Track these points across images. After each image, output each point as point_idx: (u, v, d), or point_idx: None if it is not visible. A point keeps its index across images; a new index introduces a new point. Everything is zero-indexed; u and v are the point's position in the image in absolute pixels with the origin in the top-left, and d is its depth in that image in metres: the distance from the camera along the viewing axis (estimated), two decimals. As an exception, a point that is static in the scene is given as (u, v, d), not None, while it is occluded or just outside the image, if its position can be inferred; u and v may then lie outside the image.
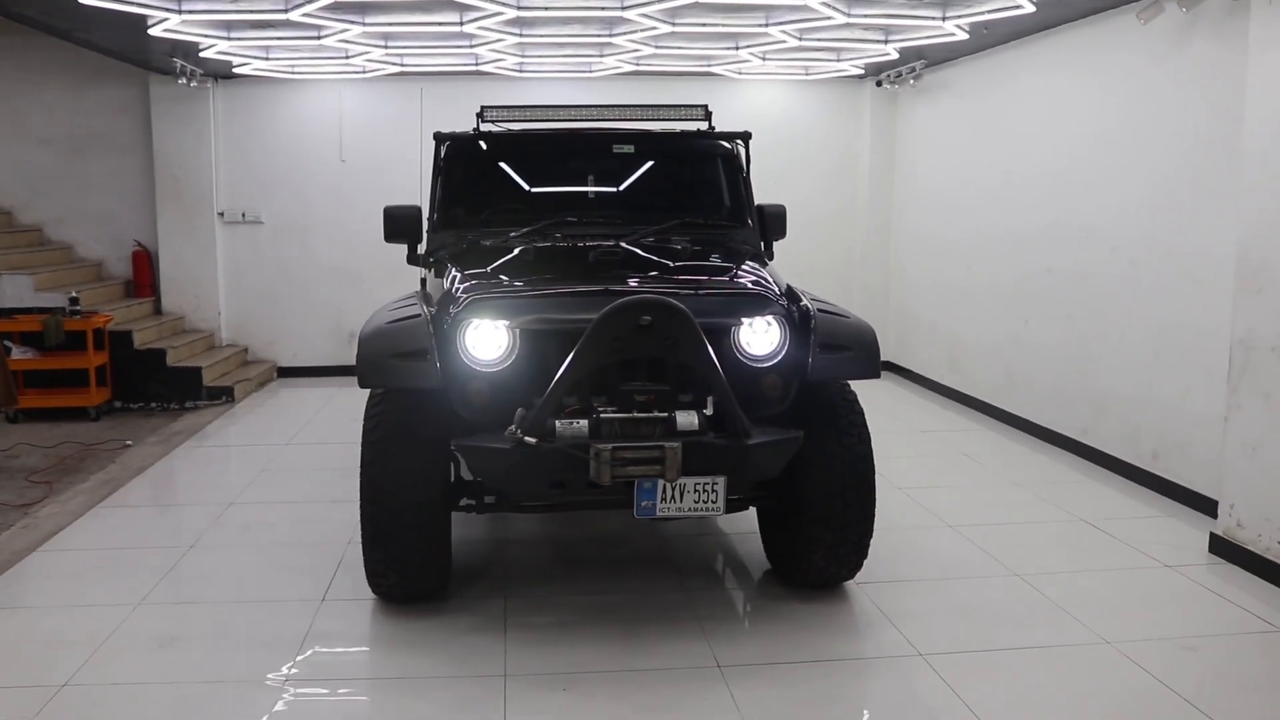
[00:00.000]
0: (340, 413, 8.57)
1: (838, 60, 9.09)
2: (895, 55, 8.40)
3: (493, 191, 5.66)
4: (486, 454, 3.97)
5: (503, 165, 5.66)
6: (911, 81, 9.26)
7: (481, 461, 4.01)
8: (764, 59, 8.90)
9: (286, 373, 10.02)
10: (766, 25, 7.35)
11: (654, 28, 7.23)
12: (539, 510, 4.57)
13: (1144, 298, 6.37)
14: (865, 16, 6.93)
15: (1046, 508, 6.05)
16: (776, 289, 4.49)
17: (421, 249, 5.58)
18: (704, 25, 7.31)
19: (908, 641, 4.25)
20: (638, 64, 9.23)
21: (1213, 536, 5.27)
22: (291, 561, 5.15)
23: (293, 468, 6.87)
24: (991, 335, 8.27)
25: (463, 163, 5.57)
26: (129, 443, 7.65)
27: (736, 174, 5.70)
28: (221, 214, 9.79)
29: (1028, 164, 7.71)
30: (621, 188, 5.74)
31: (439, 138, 5.59)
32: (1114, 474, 6.66)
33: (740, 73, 9.82)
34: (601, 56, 8.85)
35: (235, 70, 8.94)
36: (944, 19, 6.96)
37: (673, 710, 3.71)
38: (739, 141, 5.72)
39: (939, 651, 4.15)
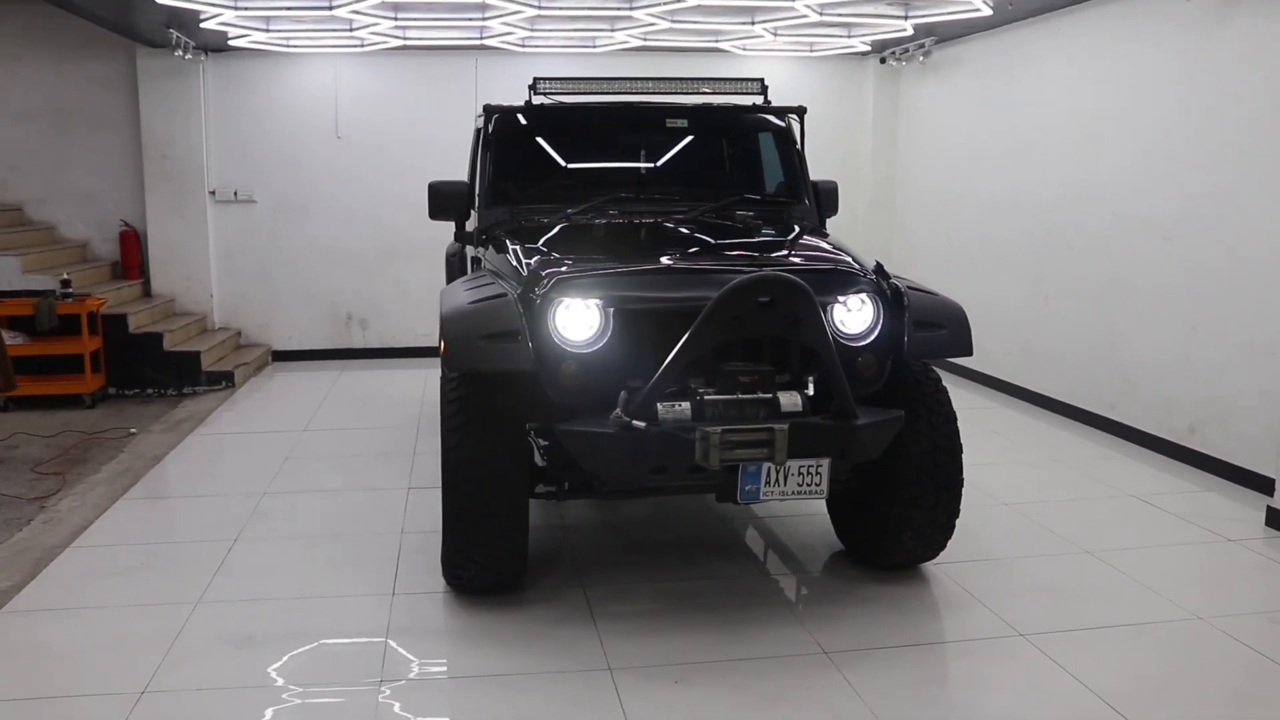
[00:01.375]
0: (349, 397, 8.33)
1: (848, 36, 8.99)
2: (909, 31, 8.33)
3: (543, 166, 5.49)
4: (591, 439, 3.82)
5: (554, 139, 5.49)
6: (921, 59, 9.21)
7: (584, 446, 3.86)
8: (775, 34, 8.77)
9: (281, 356, 9.71)
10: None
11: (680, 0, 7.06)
12: (622, 496, 4.44)
13: (1179, 272, 6.39)
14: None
15: (1092, 484, 6.06)
16: (863, 266, 4.39)
17: (470, 225, 5.38)
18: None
19: (1004, 622, 4.20)
20: (645, 39, 9.04)
21: (1270, 510, 5.30)
22: (347, 554, 4.95)
23: (317, 455, 6.63)
24: (1008, 310, 8.27)
25: (513, 136, 5.38)
26: (133, 431, 7.35)
27: (791, 149, 5.59)
28: (213, 193, 9.42)
29: (1047, 140, 7.70)
30: (675, 163, 5.60)
31: (489, 110, 5.40)
32: (1145, 449, 6.69)
33: (745, 49, 9.69)
34: (612, 30, 8.65)
35: (230, 43, 8.58)
36: (975, -8, 6.91)
37: (795, 699, 3.62)
38: (793, 116, 5.61)
39: (1038, 631, 4.11)
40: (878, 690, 3.67)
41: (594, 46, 9.49)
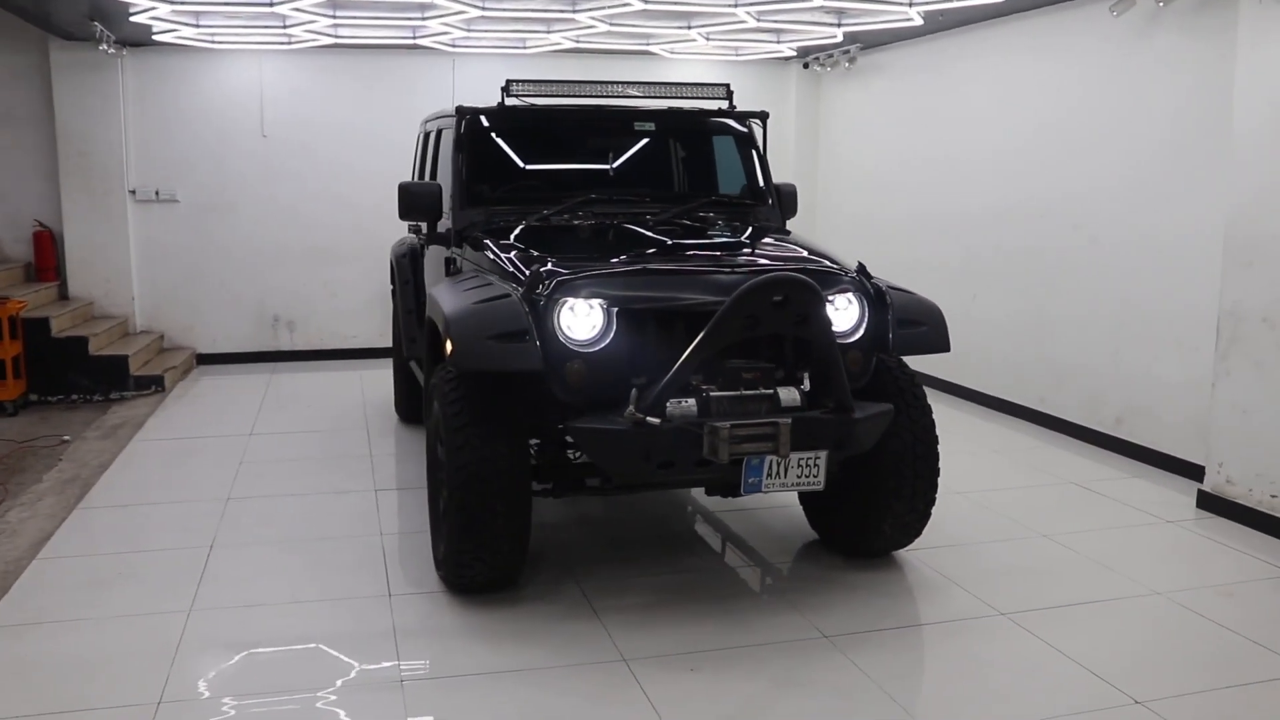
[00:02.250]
0: (287, 400, 8.18)
1: (776, 42, 9.24)
2: (839, 38, 8.62)
3: (516, 167, 5.54)
4: (602, 435, 3.90)
5: (527, 141, 5.55)
6: (846, 64, 9.52)
7: (596, 443, 3.94)
8: (708, 39, 8.96)
9: (207, 360, 9.44)
10: (736, 5, 7.40)
11: (627, 3, 7.16)
12: (622, 492, 4.53)
13: (1106, 273, 6.80)
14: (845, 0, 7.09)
15: (1034, 473, 6.41)
16: (846, 266, 4.58)
17: (443, 226, 5.38)
18: (676, 4, 7.29)
19: (984, 603, 4.45)
20: (578, 41, 9.12)
21: (1200, 493, 5.71)
22: (330, 558, 4.91)
23: (271, 459, 6.51)
24: (935, 310, 8.61)
25: (486, 138, 5.41)
26: (66, 438, 7.07)
27: (754, 152, 5.77)
28: (133, 192, 9.10)
29: (975, 146, 8.08)
30: (644, 165, 5.73)
31: (462, 112, 5.42)
32: (1075, 439, 7.09)
33: (672, 52, 9.85)
34: (548, 32, 8.70)
35: (154, 37, 8.32)
36: (910, 4, 7.20)
37: (809, 682, 3.78)
38: (755, 120, 5.78)
39: (1017, 610, 4.37)
40: (883, 670, 3.85)
41: (524, 48, 9.52)
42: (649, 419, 3.83)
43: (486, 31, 8.72)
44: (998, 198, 7.84)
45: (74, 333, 8.21)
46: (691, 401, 3.97)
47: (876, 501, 4.62)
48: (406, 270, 6.96)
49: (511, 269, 4.42)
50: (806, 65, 10.19)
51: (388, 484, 6.02)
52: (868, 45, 9.25)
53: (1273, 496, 5.28)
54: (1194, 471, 6.10)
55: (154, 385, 8.29)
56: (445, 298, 4.37)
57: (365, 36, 8.70)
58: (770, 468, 4.00)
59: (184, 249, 9.31)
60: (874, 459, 4.54)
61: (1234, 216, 5.44)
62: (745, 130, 5.80)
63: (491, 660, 3.89)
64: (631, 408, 3.85)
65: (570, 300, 4.06)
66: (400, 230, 9.09)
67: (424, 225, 6.55)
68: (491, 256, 4.71)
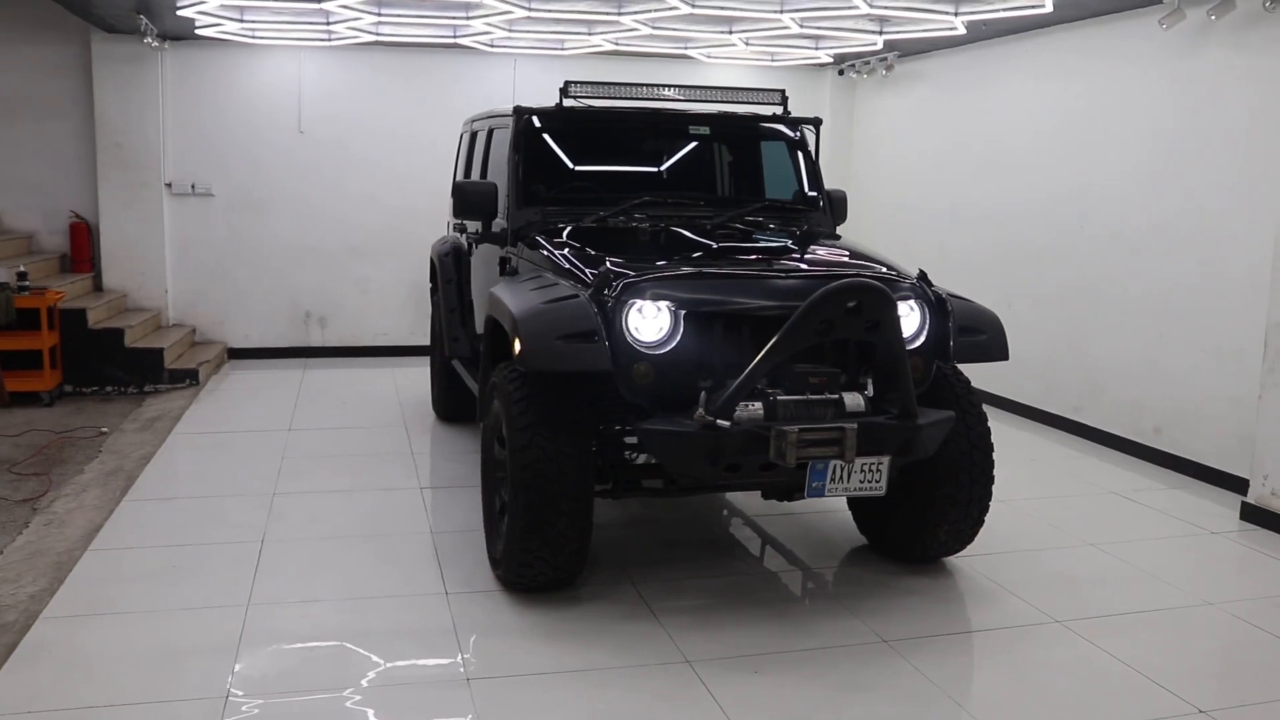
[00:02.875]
0: (322, 396, 8.19)
1: (815, 48, 9.26)
2: (878, 45, 8.64)
3: (572, 168, 5.56)
4: (671, 437, 3.92)
5: (583, 143, 5.58)
6: (884, 72, 9.53)
7: (664, 445, 3.95)
8: (747, 44, 8.98)
9: (238, 354, 9.46)
10: (781, 11, 7.42)
11: (674, 7, 7.17)
12: (678, 494, 4.55)
13: (1146, 282, 6.81)
14: (885, 7, 7.09)
15: (1073, 482, 6.42)
16: (907, 273, 4.60)
17: (498, 226, 5.40)
18: (722, 8, 7.31)
19: (1038, 610, 4.46)
20: (617, 44, 9.14)
21: (1244, 505, 5.72)
22: (384, 554, 4.92)
23: (312, 455, 6.53)
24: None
25: (543, 138, 5.43)
26: (104, 430, 7.10)
27: (807, 158, 5.78)
28: (169, 185, 9.13)
29: (1015, 155, 8.09)
30: (697, 169, 5.76)
31: (520, 112, 5.44)
32: (1111, 449, 7.10)
33: (710, 56, 9.88)
34: (589, 34, 8.72)
35: (196, 31, 8.35)
36: (956, 14, 7.21)
37: (874, 687, 3.79)
38: (808, 127, 5.80)
39: (1074, 618, 4.38)
40: (947, 677, 3.86)
41: (562, 49, 9.55)
42: (719, 421, 3.85)
43: (527, 32, 8.75)
44: (1035, 207, 7.84)
45: (110, 324, 8.24)
46: (758, 405, 3.98)
47: (933, 508, 4.63)
48: (450, 269, 6.97)
49: (575, 269, 4.44)
50: (842, 72, 10.21)
51: (433, 482, 6.04)
52: (906, 53, 9.27)
53: (1321, 511, 5.29)
54: (1234, 483, 6.12)
55: (188, 379, 8.31)
56: (510, 297, 4.38)
57: (407, 35, 8.73)
58: (834, 472, 4.01)
59: (218, 243, 9.33)
60: (931, 465, 4.55)
61: (1286, 230, 5.45)
62: (798, 136, 5.82)
63: (555, 660, 3.90)
64: (701, 410, 3.86)
65: (639, 302, 4.08)
66: (438, 229, 9.15)
67: (467, 224, 6.61)
68: (552, 256, 4.73)
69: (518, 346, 4.06)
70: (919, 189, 9.38)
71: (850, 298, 3.78)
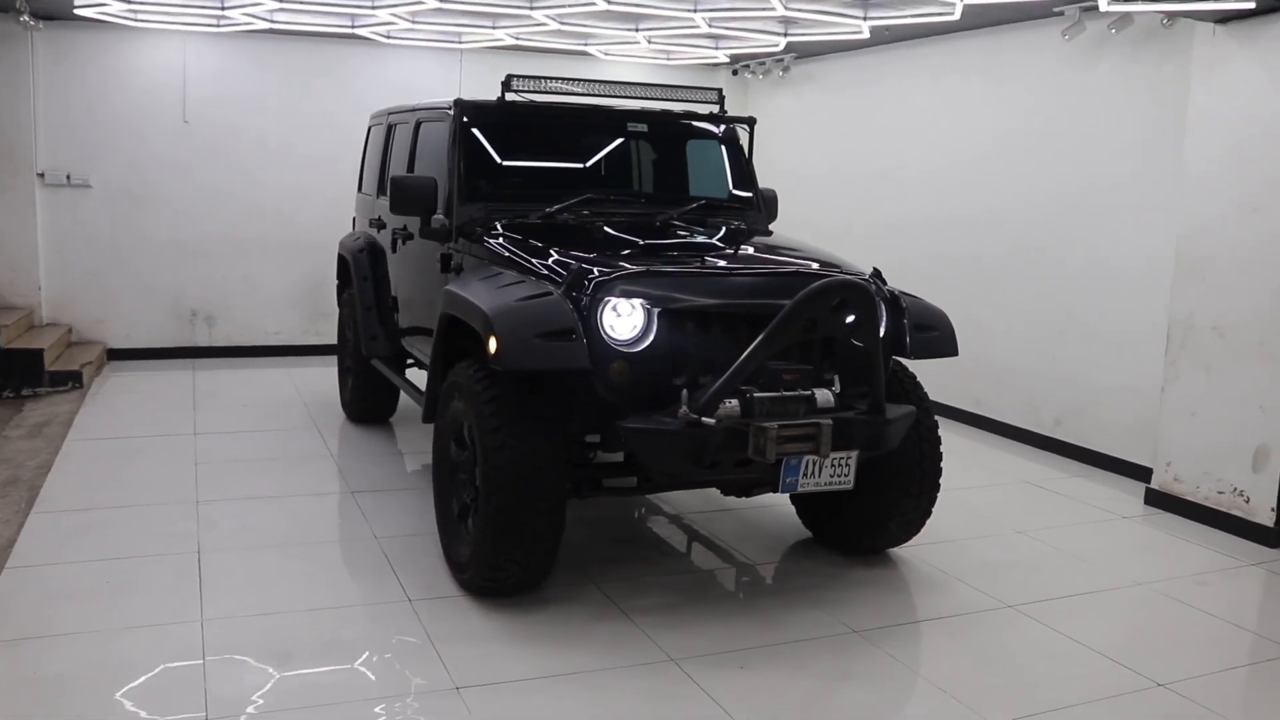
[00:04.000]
0: (219, 399, 7.79)
1: (714, 48, 9.37)
2: (780, 46, 8.80)
3: (513, 164, 5.48)
4: (655, 435, 3.91)
5: (523, 137, 5.51)
6: (780, 73, 9.72)
7: (649, 443, 3.94)
8: (649, 41, 9.01)
9: (117, 355, 8.88)
10: (695, 10, 7.48)
11: (592, 2, 7.13)
12: (646, 492, 4.54)
13: (1045, 283, 7.18)
14: (797, 9, 7.24)
15: (985, 472, 6.71)
16: (861, 271, 4.71)
17: (438, 221, 5.26)
18: (639, 6, 7.31)
19: (989, 596, 4.65)
20: (517, 39, 9.03)
21: (1149, 491, 6.10)
22: (331, 563, 4.75)
23: (228, 460, 6.22)
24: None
25: (485, 133, 5.32)
26: (-15, 439, 6.58)
27: (742, 157, 5.86)
28: (42, 175, 8.49)
29: (912, 157, 8.38)
30: (637, 166, 5.76)
31: (461, 106, 5.31)
32: (1011, 440, 7.46)
33: (607, 54, 9.87)
34: (493, 28, 8.59)
35: (76, 11, 7.81)
36: (865, 19, 7.42)
37: (856, 675, 3.88)
38: (743, 126, 5.88)
39: (1022, 602, 4.59)
40: (920, 661, 4.00)
41: (459, 43, 9.38)
42: (705, 419, 3.86)
43: (428, 24, 8.54)
44: (934, 209, 8.15)
45: (-18, 325, 7.64)
46: (735, 402, 4.01)
47: (884, 500, 4.76)
48: (365, 266, 6.76)
49: (538, 267, 4.37)
50: (735, 72, 10.36)
51: (362, 486, 5.84)
52: (803, 55, 9.47)
53: (1219, 493, 5.68)
54: (1132, 470, 6.53)
55: (71, 381, 7.78)
56: (474, 294, 4.28)
57: (303, 23, 8.40)
58: (807, 467, 4.08)
59: (96, 237, 8.76)
60: (882, 459, 4.67)
61: (1187, 234, 5.83)
62: (735, 134, 5.89)
63: (540, 664, 3.84)
64: (685, 408, 3.87)
65: (613, 300, 4.05)
66: (332, 224, 8.90)
67: (385, 220, 6.43)
68: (508, 253, 4.65)
69: (493, 345, 3.97)
70: (815, 188, 9.60)
71: (836, 296, 3.85)
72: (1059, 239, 7.08)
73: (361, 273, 6.75)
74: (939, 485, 4.87)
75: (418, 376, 6.44)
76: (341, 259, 7.21)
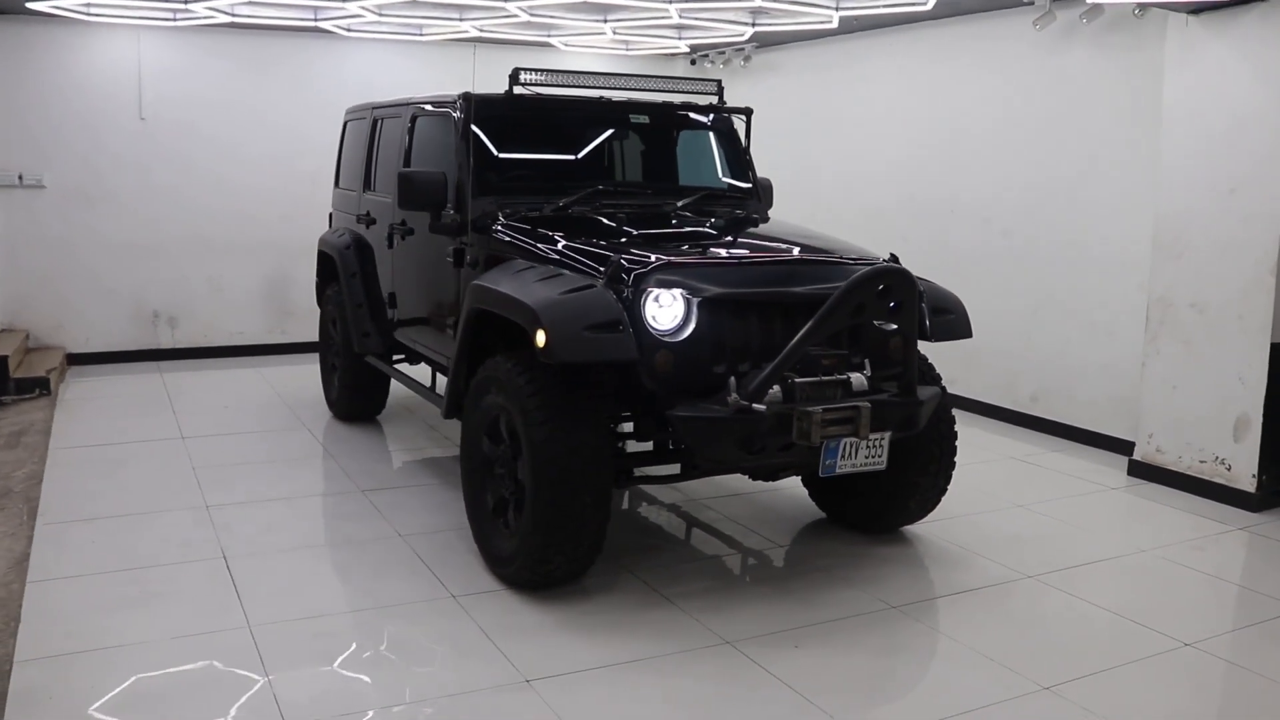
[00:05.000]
0: (194, 400, 7.62)
1: (677, 38, 9.43)
2: (745, 36, 8.90)
3: (523, 156, 5.49)
4: (706, 423, 3.97)
5: (531, 130, 5.51)
6: (741, 62, 9.83)
7: (700, 431, 4.00)
8: (614, 32, 9.03)
9: (78, 360, 8.61)
10: (670, 2, 7.52)
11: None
12: (689, 478, 4.60)
13: (1019, 265, 7.42)
14: (776, 1, 7.34)
15: (971, 450, 6.82)
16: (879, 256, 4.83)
17: (449, 216, 5.23)
18: (619, -3, 7.35)
19: (1008, 568, 4.83)
20: (481, 31, 8.98)
21: (1131, 462, 6.36)
22: (363, 562, 4.71)
23: (225, 463, 6.10)
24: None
25: (494, 126, 5.31)
26: (-39, 451, 6.34)
27: (741, 148, 5.94)
28: (-8, 176, 8.22)
29: (877, 144, 8.57)
30: (642, 157, 5.82)
31: (469, 99, 5.29)
32: (986, 418, 7.70)
33: (565, 45, 9.87)
34: (460, 20, 8.51)
35: (28, 5, 7.53)
36: (836, 8, 7.57)
37: (907, 648, 4.03)
38: (741, 116, 5.97)
39: (1041, 572, 4.78)
40: (961, 632, 4.15)
41: (420, 35, 9.28)
42: (755, 405, 3.94)
43: (394, 17, 8.45)
44: (903, 195, 8.34)
45: (-58, 332, 7.35)
46: (777, 388, 4.09)
47: (905, 479, 4.90)
48: (353, 262, 6.68)
49: (573, 259, 4.40)
50: (694, 61, 10.44)
51: (371, 484, 5.79)
52: (765, 44, 9.59)
53: (1201, 461, 5.97)
54: (1108, 442, 6.82)
55: (38, 388, 7.52)
56: (514, 288, 4.28)
57: (264, 16, 8.23)
58: (845, 449, 4.19)
59: (52, 239, 8.46)
60: (904, 438, 4.81)
61: (1164, 215, 6.09)
62: (734, 125, 5.97)
63: (601, 654, 3.88)
64: (735, 395, 3.95)
65: (655, 290, 4.10)
66: (297, 220, 8.79)
67: (374, 214, 6.39)
68: (533, 246, 4.66)
69: (542, 338, 3.99)
70: (780, 176, 9.71)
71: (882, 281, 3.96)
72: (1032, 222, 7.32)
73: (350, 269, 6.67)
74: (955, 463, 5.03)
75: (415, 372, 6.42)
76: (325, 256, 7.12)
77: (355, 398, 7.01)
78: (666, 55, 10.42)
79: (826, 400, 4.15)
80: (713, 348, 4.17)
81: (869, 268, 3.94)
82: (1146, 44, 6.43)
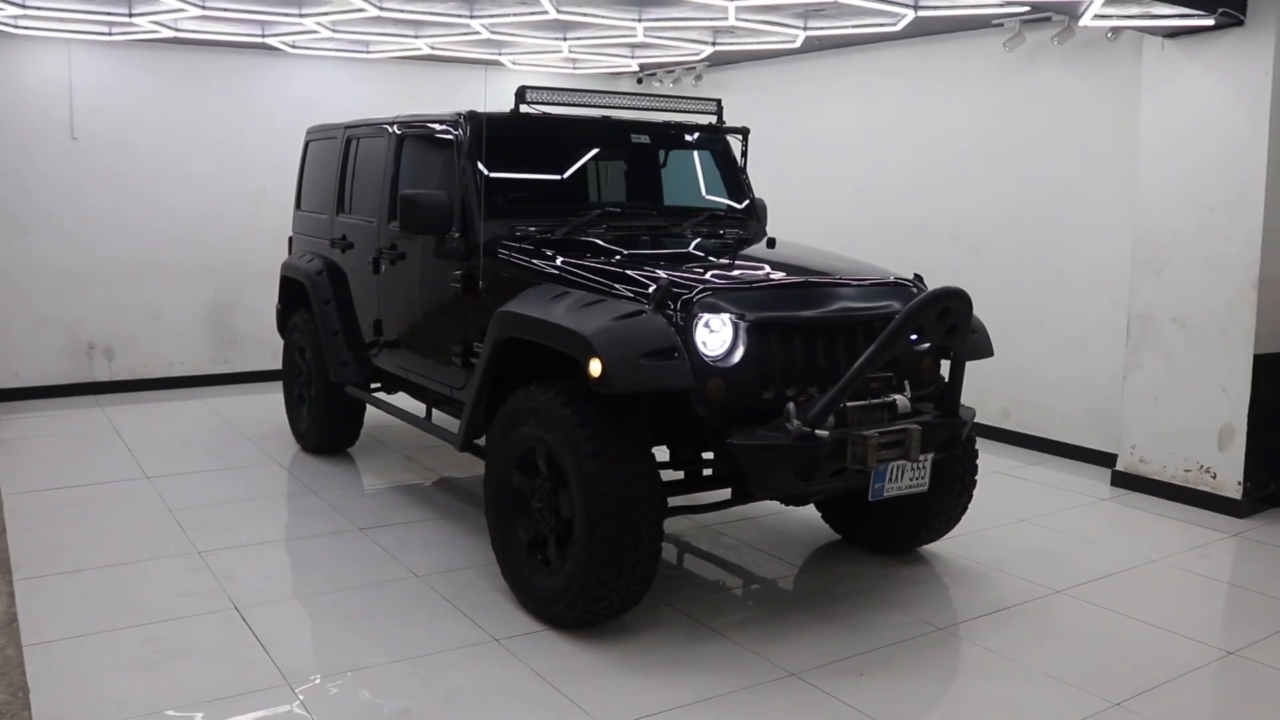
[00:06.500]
0: (146, 437, 7.16)
1: (630, 56, 9.35)
2: (701, 55, 8.88)
3: (529, 176, 5.35)
4: (768, 450, 3.89)
5: (536, 150, 5.37)
6: (692, 82, 9.81)
7: (760, 458, 3.91)
8: (570, 51, 8.91)
9: (7, 395, 8.02)
10: (639, 20, 7.44)
11: (543, 11, 6.98)
12: (738, 504, 4.51)
13: (988, 282, 7.53)
14: (746, 20, 7.33)
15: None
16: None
17: (453, 240, 5.04)
18: (585, 14, 7.21)
19: (1034, 583, 4.87)
20: (432, 48, 8.74)
21: (1114, 473, 6.51)
22: (387, 607, 4.45)
23: (202, 504, 5.73)
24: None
25: (500, 146, 5.14)
26: (-100, 499, 5.81)
27: (737, 168, 5.89)
28: (-88, 200, 7.62)
29: (843, 163, 8.63)
30: (645, 177, 5.74)
31: (474, 118, 5.10)
32: (957, 431, 7.79)
33: (515, 63, 9.71)
34: (415, 37, 8.26)
35: (-43, 17, 7.03)
36: (805, 29, 7.60)
37: (967, 670, 4.03)
38: (737, 136, 5.91)
39: (1065, 586, 4.83)
40: (1014, 651, 4.15)
41: (367, 53, 9.00)
42: (818, 431, 3.87)
43: (346, 33, 8.16)
44: (871, 212, 8.41)
45: None
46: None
47: (930, 498, 4.88)
48: (326, 289, 6.40)
49: (608, 284, 4.26)
50: (640, 80, 10.38)
51: (368, 522, 5.51)
52: (716, 62, 9.58)
53: (1186, 470, 6.14)
54: (1082, 454, 6.98)
55: (-28, 429, 6.99)
56: (555, 315, 4.11)
57: (209, 31, 7.85)
58: (892, 473, 4.16)
59: (-24, 267, 7.91)
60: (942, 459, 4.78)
61: (1143, 233, 6.27)
62: (730, 145, 5.92)
63: (669, 694, 3.74)
64: (796, 421, 3.87)
65: (705, 315, 4.00)
66: (241, 246, 8.44)
67: (350, 238, 6.16)
68: (558, 270, 4.50)
69: (596, 367, 3.84)
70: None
71: (942, 304, 3.94)
72: (1000, 240, 7.46)
73: (323, 296, 6.39)
74: (976, 481, 5.05)
75: (400, 402, 6.16)
76: (292, 282, 6.80)
77: (329, 429, 6.69)
78: (613, 74, 10.34)
79: (875, 423, 4.11)
80: (760, 373, 4.09)
81: (930, 291, 3.92)
82: (1117, 65, 6.62)
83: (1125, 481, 6.44)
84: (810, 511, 5.64)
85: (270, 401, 8.08)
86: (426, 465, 6.65)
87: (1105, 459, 6.75)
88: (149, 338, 8.59)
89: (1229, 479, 5.95)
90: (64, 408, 7.98)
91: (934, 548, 5.29)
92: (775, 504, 5.57)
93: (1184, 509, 6.04)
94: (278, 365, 7.33)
